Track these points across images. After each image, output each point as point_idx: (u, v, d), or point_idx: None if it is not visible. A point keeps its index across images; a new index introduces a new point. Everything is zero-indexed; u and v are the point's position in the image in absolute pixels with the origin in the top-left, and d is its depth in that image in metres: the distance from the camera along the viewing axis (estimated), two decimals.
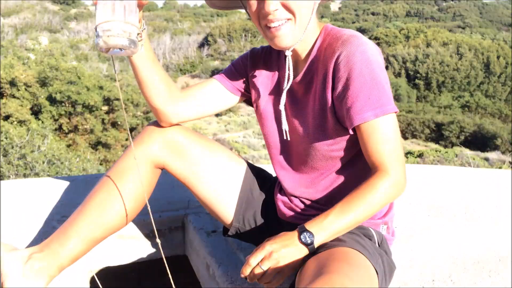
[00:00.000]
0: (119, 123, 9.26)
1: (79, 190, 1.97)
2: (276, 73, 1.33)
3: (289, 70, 1.20)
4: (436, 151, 14.68)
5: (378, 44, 48.18)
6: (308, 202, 1.32)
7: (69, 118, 9.64)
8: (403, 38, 47.43)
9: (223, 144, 16.87)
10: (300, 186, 1.32)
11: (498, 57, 37.19)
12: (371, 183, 1.09)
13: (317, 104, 1.20)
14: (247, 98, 1.41)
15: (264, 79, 1.34)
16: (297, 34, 1.15)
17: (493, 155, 17.79)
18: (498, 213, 1.93)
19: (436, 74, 37.43)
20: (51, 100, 9.18)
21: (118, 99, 9.52)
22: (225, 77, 1.38)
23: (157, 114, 1.33)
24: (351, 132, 1.16)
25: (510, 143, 19.64)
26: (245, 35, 46.53)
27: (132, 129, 9.94)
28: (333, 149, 1.21)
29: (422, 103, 35.23)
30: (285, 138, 1.27)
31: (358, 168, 1.23)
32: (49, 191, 1.99)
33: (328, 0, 1.30)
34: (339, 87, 1.13)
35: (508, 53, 37.51)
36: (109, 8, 0.98)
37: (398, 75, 39.21)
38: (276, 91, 1.32)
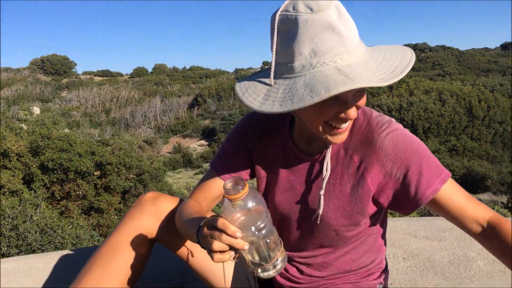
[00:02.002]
0: (111, 187, 9.31)
1: (75, 265, 1.90)
2: (281, 144, 1.25)
3: (325, 160, 1.16)
4: None
5: None
6: (306, 270, 1.28)
7: (61, 185, 9.64)
8: (387, 88, 48.98)
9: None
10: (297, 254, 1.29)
11: (479, 101, 38.42)
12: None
13: (348, 188, 1.15)
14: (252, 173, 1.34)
15: (269, 152, 1.28)
16: None
17: (485, 196, 17.89)
18: (492, 269, 1.87)
19: (422, 121, 38.34)
20: (43, 168, 9.25)
21: (110, 164, 9.62)
22: (228, 169, 1.30)
23: None
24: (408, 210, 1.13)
25: (500, 183, 19.82)
26: (233, 94, 47.85)
27: (125, 192, 9.94)
28: (349, 229, 1.18)
29: None
30: (318, 222, 1.19)
31: (362, 243, 1.22)
32: (45, 267, 1.94)
33: None
34: (394, 172, 1.09)
35: (489, 97, 38.80)
36: (264, 254, 0.99)
37: None
38: (284, 164, 1.25)
